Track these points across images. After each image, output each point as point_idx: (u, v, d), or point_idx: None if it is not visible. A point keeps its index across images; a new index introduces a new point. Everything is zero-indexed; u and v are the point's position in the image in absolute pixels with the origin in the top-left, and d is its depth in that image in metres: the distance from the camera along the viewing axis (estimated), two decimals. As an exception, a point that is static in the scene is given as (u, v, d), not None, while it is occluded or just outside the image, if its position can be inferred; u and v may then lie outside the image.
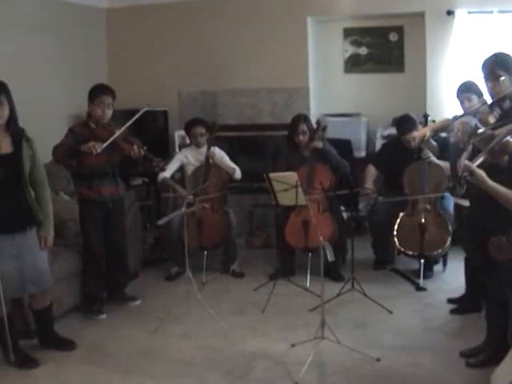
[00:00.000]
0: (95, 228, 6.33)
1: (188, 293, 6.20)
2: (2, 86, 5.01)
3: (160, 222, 6.18)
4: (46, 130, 7.43)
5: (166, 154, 8.09)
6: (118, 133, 6.12)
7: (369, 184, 7.15)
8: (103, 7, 9.42)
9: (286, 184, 6.04)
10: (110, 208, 6.36)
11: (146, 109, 6.44)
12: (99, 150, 5.97)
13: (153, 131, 8.61)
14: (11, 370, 5.27)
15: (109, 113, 6.24)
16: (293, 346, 5.41)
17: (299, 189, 6.02)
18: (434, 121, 6.96)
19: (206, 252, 7.30)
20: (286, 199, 6.21)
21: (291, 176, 6.06)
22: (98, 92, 6.21)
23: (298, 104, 8.66)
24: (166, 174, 7.31)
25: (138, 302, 6.70)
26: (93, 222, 6.32)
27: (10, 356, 5.31)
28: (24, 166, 5.09)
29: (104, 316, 6.37)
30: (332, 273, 6.83)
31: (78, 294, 6.47)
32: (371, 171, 7.34)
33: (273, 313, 6.24)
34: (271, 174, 6.16)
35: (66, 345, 5.62)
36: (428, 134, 6.39)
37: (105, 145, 6.00)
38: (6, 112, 5.00)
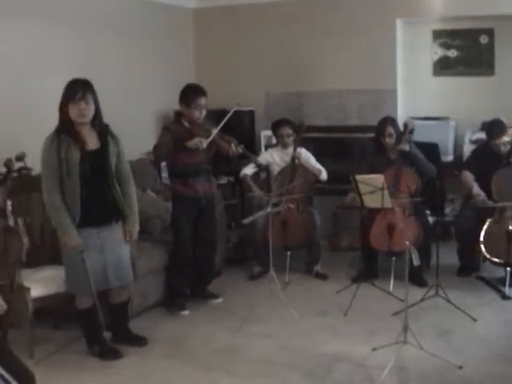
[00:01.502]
0: (187, 224, 6.43)
1: (271, 292, 6.22)
2: (88, 85, 5.14)
3: (245, 221, 6.23)
4: (133, 128, 7.58)
5: (252, 154, 8.12)
6: (216, 131, 6.30)
7: (477, 189, 6.98)
8: (191, 7, 9.50)
9: (372, 186, 6.00)
10: (202, 205, 6.46)
11: (235, 108, 6.54)
12: (205, 146, 6.14)
13: (239, 131, 8.64)
14: (95, 361, 5.40)
15: (204, 113, 6.35)
16: (374, 349, 5.37)
17: (385, 191, 5.97)
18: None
19: (289, 252, 7.31)
20: (371, 201, 6.17)
21: (377, 178, 6.02)
22: (193, 95, 6.31)
23: (385, 106, 8.57)
24: (248, 171, 7.39)
25: (220, 300, 6.75)
26: (186, 218, 6.42)
27: (94, 347, 5.43)
28: (110, 161, 5.21)
29: (186, 312, 6.45)
30: (416, 278, 6.73)
31: (161, 290, 6.58)
32: (469, 176, 7.14)
33: (355, 316, 6.21)
34: (357, 176, 6.12)
35: (138, 341, 5.71)
36: None
37: (208, 141, 6.14)
38: (91, 110, 5.13)
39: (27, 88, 6.54)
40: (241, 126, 8.90)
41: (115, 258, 5.29)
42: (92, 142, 5.18)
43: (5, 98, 6.25)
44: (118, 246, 5.33)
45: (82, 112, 5.08)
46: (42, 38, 6.78)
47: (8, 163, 4.42)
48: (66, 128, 5.10)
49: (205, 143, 6.15)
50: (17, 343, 4.89)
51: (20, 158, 4.69)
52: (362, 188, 6.11)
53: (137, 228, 5.44)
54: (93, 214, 5.14)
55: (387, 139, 7.07)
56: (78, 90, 5.06)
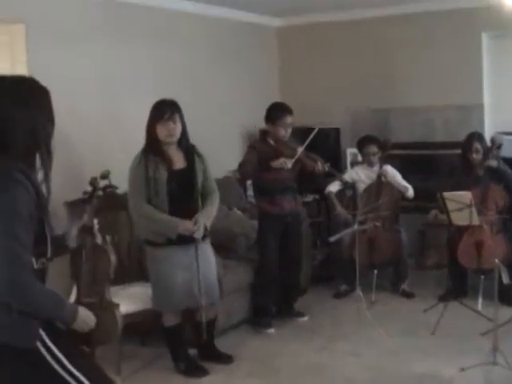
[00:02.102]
0: (273, 242, 6.44)
1: (357, 311, 6.18)
2: (175, 105, 5.24)
3: (331, 239, 6.22)
4: (219, 146, 7.64)
5: (338, 171, 8.09)
6: (301, 150, 6.32)
7: None
8: (275, 25, 9.55)
9: (459, 203, 5.92)
10: (288, 222, 6.46)
11: (318, 128, 6.49)
12: (290, 166, 6.16)
13: (324, 148, 8.62)
14: (181, 377, 5.45)
15: (289, 131, 6.37)
16: (462, 369, 5.25)
17: (473, 209, 5.88)
18: None
19: (375, 270, 7.24)
20: (459, 219, 6.09)
21: (465, 195, 5.95)
22: (279, 113, 6.35)
23: (472, 121, 8.43)
24: (333, 188, 7.39)
25: (305, 318, 6.74)
26: (272, 235, 6.44)
27: (180, 364, 5.48)
28: (197, 179, 5.27)
29: (272, 330, 6.45)
30: (505, 296, 6.57)
31: (247, 307, 6.59)
32: None
33: (443, 335, 6.10)
34: (445, 193, 6.06)
35: (224, 359, 5.73)
36: None
37: (293, 160, 6.16)
38: (179, 130, 5.22)
39: (114, 108, 6.66)
40: (326, 144, 8.87)
41: (203, 276, 5.32)
42: (179, 162, 5.27)
43: (92, 118, 6.38)
44: (205, 263, 5.37)
45: (171, 132, 5.18)
46: (130, 58, 6.90)
47: (93, 182, 4.51)
48: (154, 148, 5.20)
49: (289, 163, 6.16)
50: (105, 359, 4.95)
51: (105, 176, 4.77)
52: (450, 205, 6.04)
53: (202, 220, 5.30)
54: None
55: (474, 155, 6.95)
56: (166, 110, 5.16)
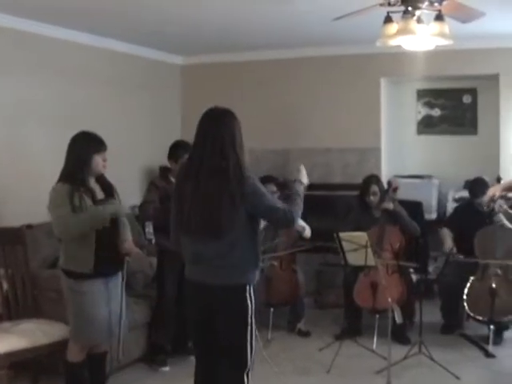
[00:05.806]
0: (171, 278, 6.38)
1: (253, 349, 6.16)
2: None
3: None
4: (118, 182, 7.58)
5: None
6: None
7: (449, 243, 7.05)
8: (179, 63, 9.58)
9: (355, 244, 6.01)
10: None
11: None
12: None
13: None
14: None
15: None
16: (357, 408, 5.32)
17: (369, 249, 5.98)
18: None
19: (272, 309, 7.27)
20: (355, 259, 6.18)
21: (361, 236, 6.04)
22: (182, 151, 6.34)
23: (369, 164, 8.62)
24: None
25: (200, 357, 6.67)
26: (170, 271, 6.38)
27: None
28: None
29: (167, 368, 6.38)
30: (399, 335, 6.71)
31: (143, 346, 6.50)
32: (447, 232, 7.26)
33: (338, 373, 6.15)
34: (341, 234, 6.15)
35: None
36: (498, 194, 6.28)
37: None
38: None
39: (14, 139, 6.62)
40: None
41: (119, 309, 5.25)
42: (98, 193, 5.22)
43: None
44: (120, 296, 5.30)
45: (105, 162, 5.21)
46: (27, 91, 6.83)
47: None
48: (80, 178, 5.09)
49: None
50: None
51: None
52: (346, 246, 6.12)
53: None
54: (104, 264, 5.07)
55: (371, 197, 7.12)
56: (103, 141, 5.19)
